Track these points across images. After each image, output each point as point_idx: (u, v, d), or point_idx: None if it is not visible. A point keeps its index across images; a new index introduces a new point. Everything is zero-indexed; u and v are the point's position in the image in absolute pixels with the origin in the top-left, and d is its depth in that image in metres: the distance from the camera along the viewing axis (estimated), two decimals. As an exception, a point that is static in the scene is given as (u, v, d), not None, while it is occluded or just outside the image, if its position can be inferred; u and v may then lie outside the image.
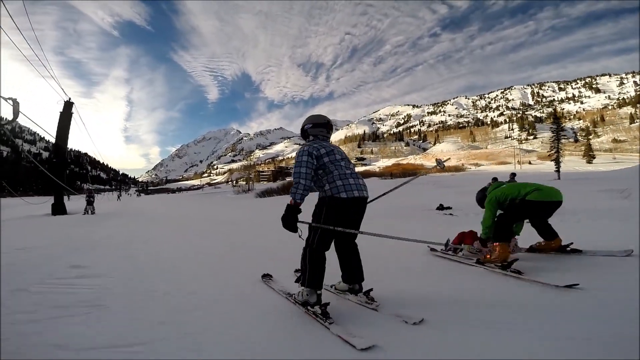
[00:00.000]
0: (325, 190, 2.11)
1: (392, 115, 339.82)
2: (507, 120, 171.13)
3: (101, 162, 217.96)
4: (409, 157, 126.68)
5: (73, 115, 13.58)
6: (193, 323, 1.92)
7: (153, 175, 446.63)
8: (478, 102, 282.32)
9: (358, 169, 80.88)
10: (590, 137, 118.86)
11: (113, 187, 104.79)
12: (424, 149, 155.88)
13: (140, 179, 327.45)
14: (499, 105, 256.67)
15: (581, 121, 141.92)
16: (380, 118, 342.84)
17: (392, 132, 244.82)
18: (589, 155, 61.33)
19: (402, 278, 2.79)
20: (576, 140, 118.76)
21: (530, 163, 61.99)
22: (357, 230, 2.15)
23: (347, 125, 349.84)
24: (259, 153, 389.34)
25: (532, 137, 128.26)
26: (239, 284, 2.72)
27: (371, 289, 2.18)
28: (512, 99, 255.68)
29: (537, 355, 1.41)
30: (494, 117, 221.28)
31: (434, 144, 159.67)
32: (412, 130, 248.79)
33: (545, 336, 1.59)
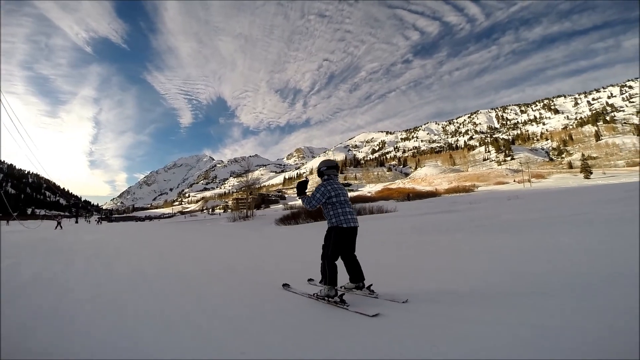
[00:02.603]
0: (332, 221, 3.21)
1: (367, 141, 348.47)
2: (481, 143, 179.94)
3: (61, 187, 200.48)
4: (395, 181, 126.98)
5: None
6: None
7: (119, 203, 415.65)
8: (447, 127, 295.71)
9: (349, 194, 78.23)
10: (564, 155, 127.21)
11: (73, 213, 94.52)
12: (406, 174, 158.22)
13: (104, 207, 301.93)
14: (468, 130, 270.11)
15: (549, 141, 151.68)
16: (356, 145, 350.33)
17: (368, 158, 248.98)
18: (587, 170, 63.04)
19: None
20: (551, 159, 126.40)
21: (529, 181, 62.42)
22: (353, 249, 3.29)
23: (324, 152, 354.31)
24: (233, 181, 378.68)
25: (509, 158, 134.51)
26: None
27: (371, 284, 3.23)
28: (479, 123, 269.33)
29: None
30: (465, 140, 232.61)
31: (415, 168, 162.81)
32: (388, 156, 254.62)
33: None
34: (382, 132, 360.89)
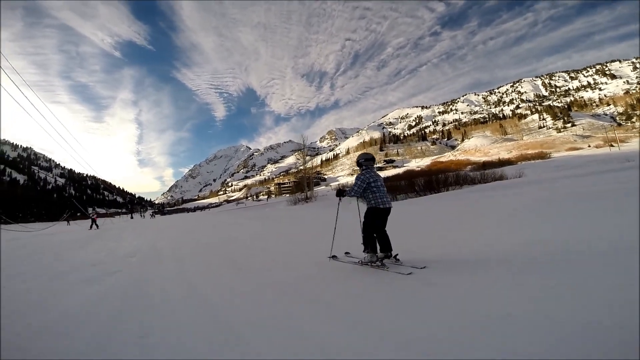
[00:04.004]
0: (371, 202, 3.83)
1: (402, 118, 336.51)
2: (532, 111, 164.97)
3: (116, 186, 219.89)
4: (444, 154, 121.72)
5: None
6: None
7: (169, 197, 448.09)
8: (489, 98, 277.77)
9: (391, 171, 76.68)
10: (633, 120, 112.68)
11: (128, 210, 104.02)
12: (452, 146, 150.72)
13: (157, 201, 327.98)
14: (513, 99, 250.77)
15: (611, 106, 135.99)
16: (390, 122, 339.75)
17: (405, 134, 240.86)
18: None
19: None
20: (619, 125, 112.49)
21: (615, 145, 55.77)
22: (384, 225, 3.90)
23: (357, 132, 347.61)
24: (271, 167, 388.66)
25: (569, 124, 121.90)
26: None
27: (397, 254, 3.90)
28: (525, 91, 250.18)
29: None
30: (512, 110, 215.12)
31: (462, 140, 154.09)
32: (427, 130, 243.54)
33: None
34: (417, 107, 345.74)
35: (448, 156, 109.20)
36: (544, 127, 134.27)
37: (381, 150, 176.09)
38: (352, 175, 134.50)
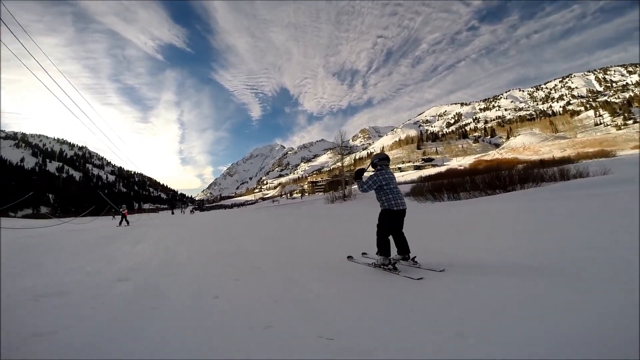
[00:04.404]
0: (384, 204, 3.81)
1: (440, 115, 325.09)
2: (586, 107, 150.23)
3: (161, 183, 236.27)
4: (489, 152, 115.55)
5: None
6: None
7: (208, 194, 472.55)
8: (535, 94, 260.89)
9: (428, 170, 73.97)
10: None
11: (173, 205, 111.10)
12: (496, 145, 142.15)
13: (197, 198, 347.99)
14: (562, 95, 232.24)
15: None
16: (427, 120, 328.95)
17: (444, 132, 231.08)
18: None
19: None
20: None
21: None
22: (401, 227, 3.89)
23: (392, 130, 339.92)
24: (304, 166, 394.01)
25: (630, 121, 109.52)
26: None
27: (415, 256, 3.87)
28: (576, 87, 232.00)
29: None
30: (562, 106, 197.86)
31: (507, 138, 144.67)
32: (468, 128, 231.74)
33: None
34: (455, 104, 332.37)
35: (493, 154, 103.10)
36: (600, 124, 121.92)
37: (419, 148, 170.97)
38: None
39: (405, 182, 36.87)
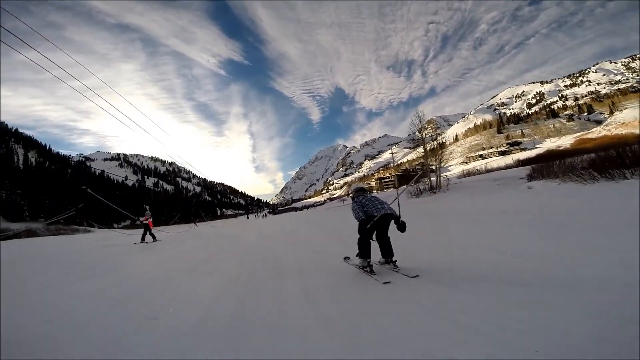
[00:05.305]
0: (362, 216, 4.15)
1: (517, 96, 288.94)
2: None
3: (239, 190, 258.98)
4: (592, 130, 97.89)
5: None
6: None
7: (281, 198, 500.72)
8: (632, 64, 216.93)
9: (517, 155, 64.71)
10: None
11: (248, 211, 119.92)
12: (597, 121, 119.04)
13: (271, 202, 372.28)
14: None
15: None
16: (503, 102, 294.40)
17: (524, 113, 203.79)
18: None
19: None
20: None
21: None
22: (386, 232, 4.23)
23: (463, 117, 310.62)
24: (368, 163, 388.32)
25: None
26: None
27: (396, 260, 4.16)
28: None
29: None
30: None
31: (611, 113, 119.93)
32: (555, 107, 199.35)
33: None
34: (533, 83, 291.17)
35: (598, 132, 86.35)
36: None
37: (499, 132, 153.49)
38: (466, 163, 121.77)
39: (498, 169, 33.08)
